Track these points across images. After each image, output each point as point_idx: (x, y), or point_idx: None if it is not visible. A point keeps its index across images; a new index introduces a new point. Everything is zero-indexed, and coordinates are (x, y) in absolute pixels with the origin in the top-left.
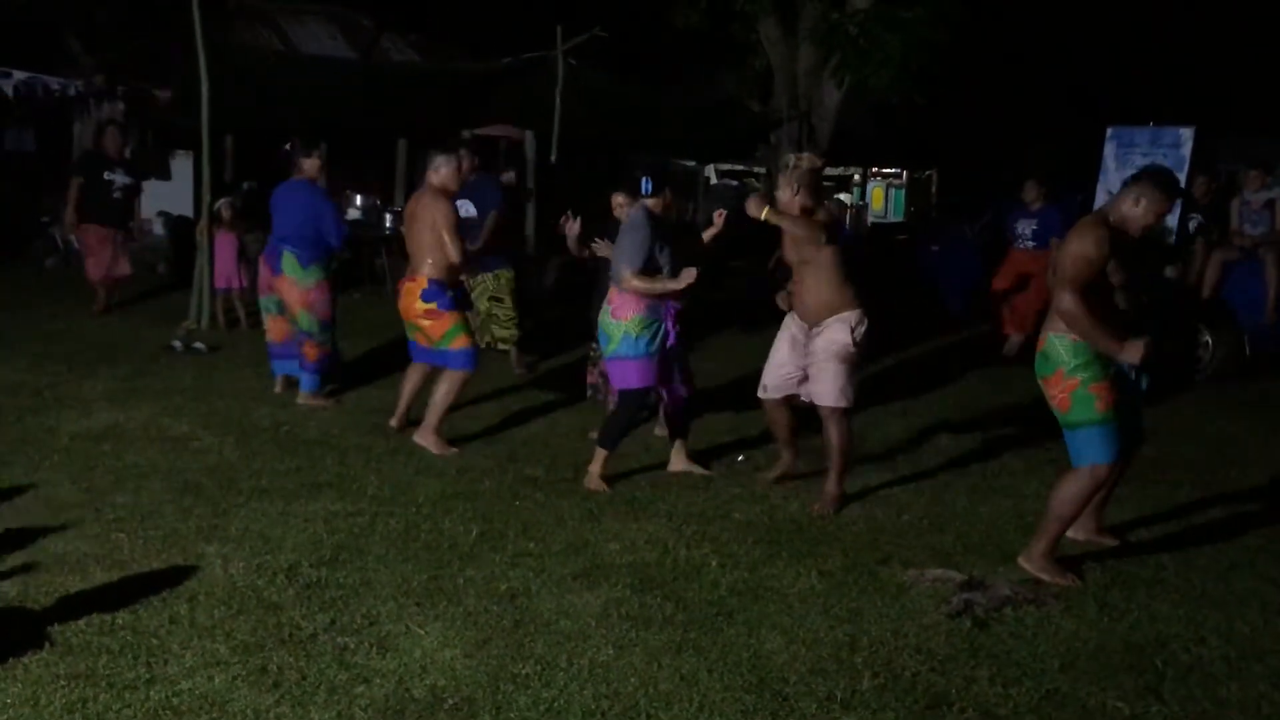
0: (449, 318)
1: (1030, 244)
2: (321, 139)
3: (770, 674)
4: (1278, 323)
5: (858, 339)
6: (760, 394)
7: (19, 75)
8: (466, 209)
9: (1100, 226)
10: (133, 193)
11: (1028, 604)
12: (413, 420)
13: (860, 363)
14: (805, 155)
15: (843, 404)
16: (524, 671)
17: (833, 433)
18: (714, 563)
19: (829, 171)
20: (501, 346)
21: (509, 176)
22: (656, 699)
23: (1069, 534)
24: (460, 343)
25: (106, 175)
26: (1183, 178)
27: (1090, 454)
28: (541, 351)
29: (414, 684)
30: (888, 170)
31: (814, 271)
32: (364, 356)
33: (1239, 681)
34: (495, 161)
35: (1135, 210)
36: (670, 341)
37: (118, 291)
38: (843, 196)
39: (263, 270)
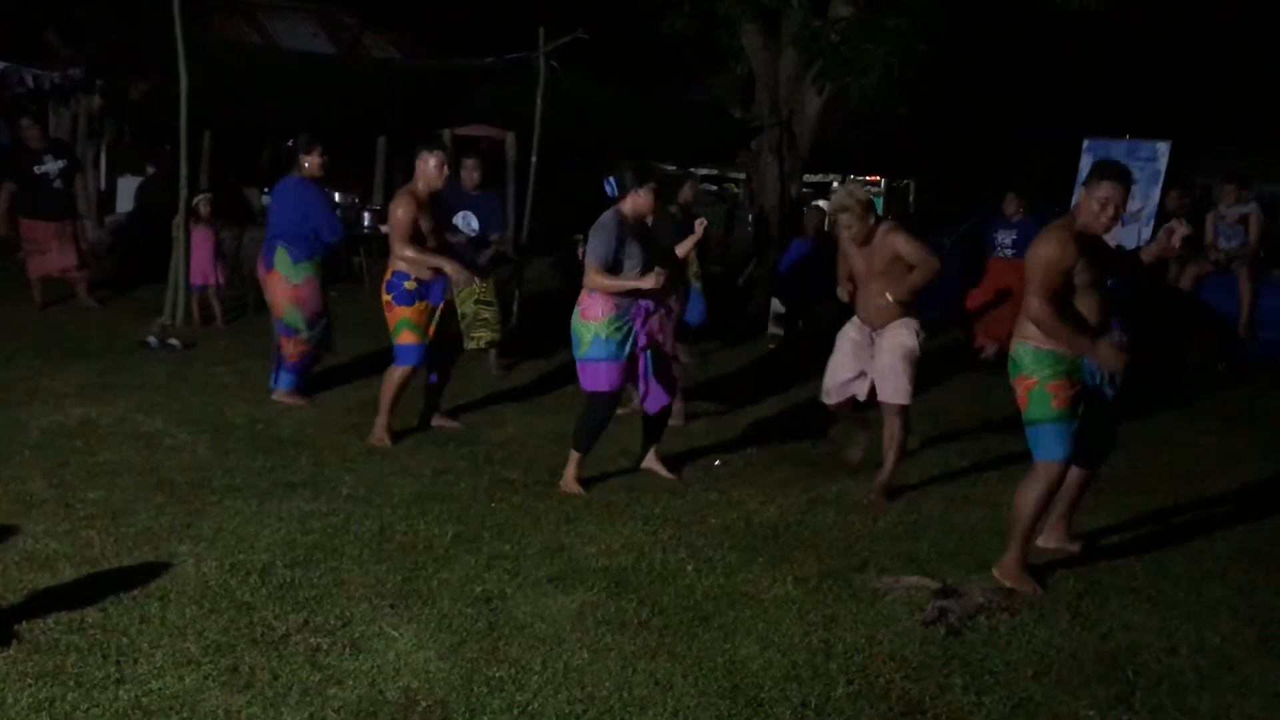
0: (398, 311)
1: (1010, 252)
2: (302, 135)
3: (745, 680)
4: (1251, 337)
5: (920, 342)
6: (824, 399)
7: None
8: (468, 221)
9: (1063, 230)
10: (71, 176)
11: (1001, 612)
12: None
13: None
14: (858, 187)
15: (906, 401)
16: (498, 674)
17: (895, 426)
18: (690, 567)
19: (807, 178)
20: (482, 345)
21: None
22: (631, 703)
23: (1039, 542)
24: (404, 339)
25: (38, 169)
26: (1158, 191)
27: (1042, 450)
28: (521, 353)
29: (387, 686)
30: (865, 178)
31: (883, 281)
32: (338, 356)
33: (1209, 691)
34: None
35: (1096, 207)
36: (641, 343)
37: (85, 282)
38: (821, 203)
39: (260, 269)
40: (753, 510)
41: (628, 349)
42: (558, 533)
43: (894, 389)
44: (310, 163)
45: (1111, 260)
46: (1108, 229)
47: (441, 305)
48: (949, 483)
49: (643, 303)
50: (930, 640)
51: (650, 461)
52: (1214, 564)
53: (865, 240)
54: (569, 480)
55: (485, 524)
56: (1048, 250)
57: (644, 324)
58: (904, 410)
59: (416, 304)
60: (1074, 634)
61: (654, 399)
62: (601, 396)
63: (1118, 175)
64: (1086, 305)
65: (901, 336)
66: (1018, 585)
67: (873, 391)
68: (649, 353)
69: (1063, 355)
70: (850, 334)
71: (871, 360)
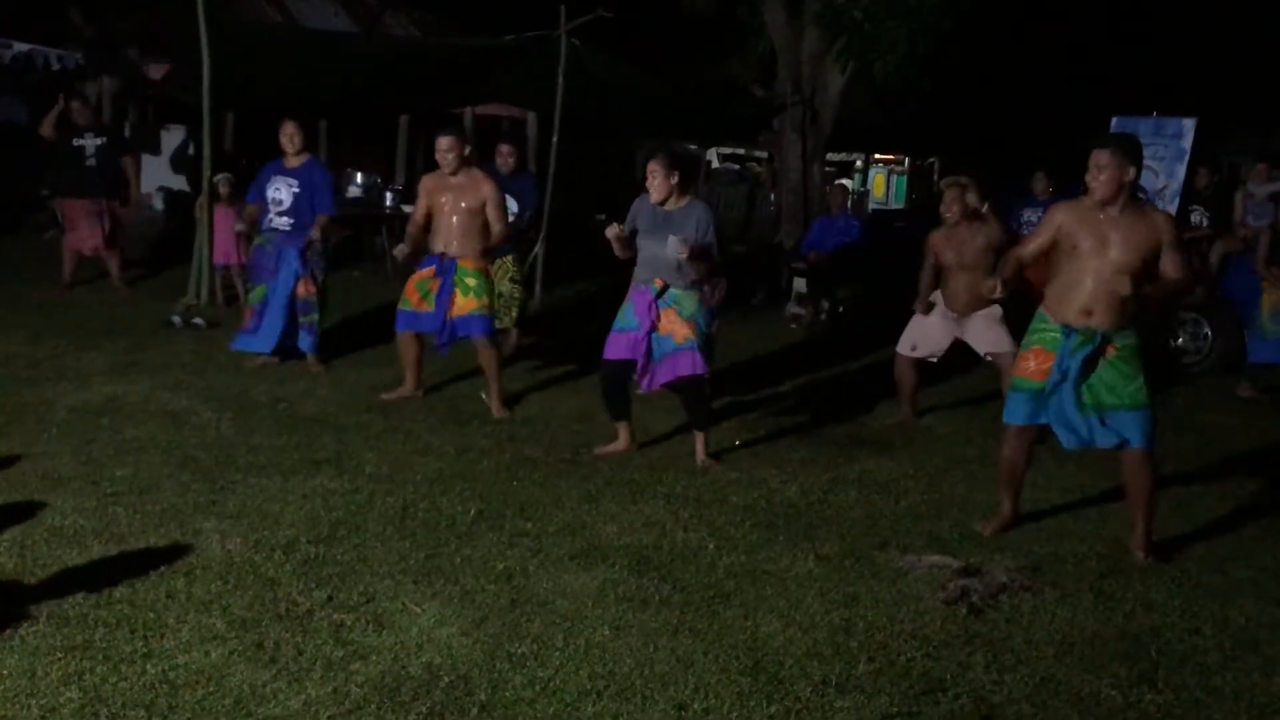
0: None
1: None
2: (322, 115)
3: (766, 657)
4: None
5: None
6: (908, 352)
7: (20, 47)
8: (509, 204)
9: (1066, 203)
10: (112, 155)
11: (1023, 591)
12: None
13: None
14: (963, 176)
15: (1014, 347)
16: (520, 650)
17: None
18: (711, 545)
19: (830, 157)
20: (503, 325)
21: None
22: (652, 680)
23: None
24: (399, 305)
25: (76, 141)
26: (1183, 168)
27: (1004, 412)
28: (543, 333)
29: (410, 661)
30: (890, 157)
31: (972, 274)
32: (362, 335)
33: (1232, 671)
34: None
35: (1089, 174)
36: (644, 326)
37: (116, 262)
38: (845, 182)
39: None
40: (774, 489)
41: (622, 324)
42: (579, 511)
43: (999, 342)
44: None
45: (1129, 233)
46: (1100, 196)
47: (435, 278)
48: (971, 463)
49: (643, 294)
50: (952, 619)
51: (698, 452)
52: (1238, 544)
53: (955, 226)
54: (603, 449)
55: (507, 502)
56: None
57: (648, 310)
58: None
59: (414, 273)
60: (1097, 613)
61: (646, 382)
62: (603, 363)
63: (1109, 141)
64: (1080, 274)
65: (990, 311)
66: (982, 527)
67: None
68: (654, 337)
69: (1048, 321)
70: (939, 312)
71: (960, 332)
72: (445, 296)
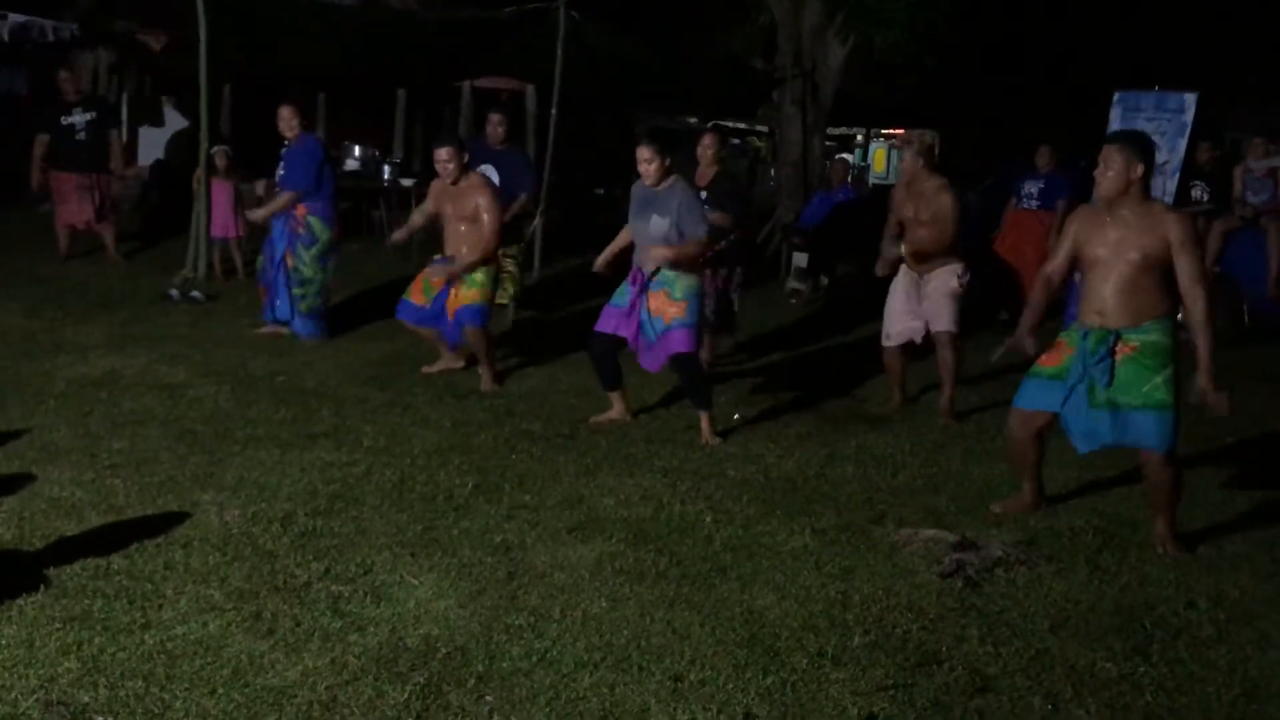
0: None
1: (1035, 204)
2: (320, 88)
3: (762, 629)
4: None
5: (963, 284)
6: (885, 342)
7: (16, 18)
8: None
9: (1076, 213)
10: (100, 129)
11: (1019, 565)
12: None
13: (966, 300)
14: (927, 132)
15: (954, 329)
16: (517, 622)
17: (947, 355)
18: (708, 519)
19: (831, 131)
20: (503, 301)
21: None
22: (648, 651)
23: None
24: None
25: (65, 119)
26: (1184, 143)
27: None
28: (543, 307)
29: (407, 633)
30: (890, 131)
31: (927, 230)
32: (360, 309)
33: (1227, 645)
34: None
35: (1097, 170)
36: (631, 298)
37: (109, 235)
38: (846, 156)
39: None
40: (771, 463)
41: (615, 300)
42: (577, 484)
43: (941, 319)
44: None
45: (1134, 233)
46: (1106, 191)
47: (433, 276)
48: (968, 438)
49: (637, 269)
50: (947, 592)
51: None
52: (1233, 519)
53: (912, 181)
54: (598, 418)
55: (505, 475)
56: None
57: (639, 289)
58: (954, 339)
59: (425, 268)
60: (1092, 587)
61: (643, 358)
62: (591, 334)
63: (1117, 137)
64: (1093, 278)
65: (945, 279)
66: (999, 506)
67: (926, 337)
68: (644, 316)
69: (1073, 325)
70: (901, 281)
71: (921, 304)
72: (445, 294)
